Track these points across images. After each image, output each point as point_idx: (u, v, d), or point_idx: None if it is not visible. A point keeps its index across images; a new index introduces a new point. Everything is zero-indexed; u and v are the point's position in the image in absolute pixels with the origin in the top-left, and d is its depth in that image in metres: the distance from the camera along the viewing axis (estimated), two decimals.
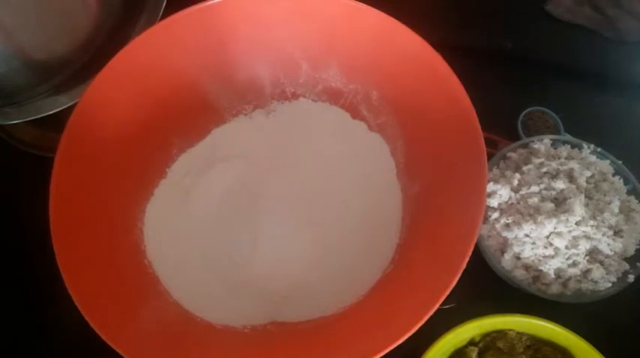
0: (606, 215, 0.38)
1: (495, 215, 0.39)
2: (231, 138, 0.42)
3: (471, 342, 0.37)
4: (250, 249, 0.39)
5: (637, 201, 0.40)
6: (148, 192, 0.40)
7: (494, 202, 0.40)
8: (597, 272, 0.38)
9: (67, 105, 0.40)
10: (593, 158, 0.41)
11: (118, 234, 0.37)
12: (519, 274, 0.38)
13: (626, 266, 0.38)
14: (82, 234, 0.35)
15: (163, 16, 0.41)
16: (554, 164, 0.40)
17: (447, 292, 0.30)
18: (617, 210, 0.39)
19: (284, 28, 0.40)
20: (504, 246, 0.39)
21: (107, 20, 0.42)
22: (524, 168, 0.40)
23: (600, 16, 0.50)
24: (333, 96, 0.42)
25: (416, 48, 0.36)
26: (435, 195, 0.36)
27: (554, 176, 0.40)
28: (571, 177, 0.39)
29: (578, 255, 0.38)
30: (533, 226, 0.38)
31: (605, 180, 0.40)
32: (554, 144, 0.42)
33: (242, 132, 0.43)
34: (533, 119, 0.47)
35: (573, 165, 0.40)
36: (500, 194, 0.40)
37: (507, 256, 0.38)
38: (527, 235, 0.38)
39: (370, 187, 0.40)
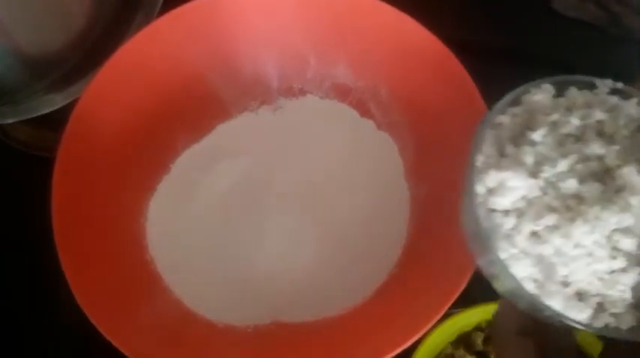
0: None
1: (511, 222, 0.24)
2: (236, 134, 0.42)
3: (478, 328, 0.37)
4: (254, 248, 0.39)
5: None
6: (151, 188, 0.40)
7: (504, 201, 0.24)
8: None
9: (63, 104, 0.39)
10: (615, 99, 0.27)
11: (121, 229, 0.37)
12: (575, 313, 0.23)
13: None
14: (84, 231, 0.34)
15: (161, 11, 0.41)
16: (573, 119, 0.26)
17: (456, 295, 0.30)
18: None
19: (292, 22, 0.39)
20: (539, 270, 0.24)
21: (103, 14, 0.42)
22: (535, 135, 0.25)
23: (604, 12, 0.50)
24: (341, 93, 0.42)
25: (428, 45, 0.36)
26: (444, 196, 0.36)
27: (580, 138, 0.26)
28: (604, 134, 0.26)
29: None
30: (587, 226, 0.23)
31: None
32: (559, 89, 0.28)
33: (248, 128, 0.42)
34: None
35: (600, 115, 0.26)
36: (512, 186, 0.24)
37: (550, 287, 0.24)
38: (577, 244, 0.24)
39: (377, 187, 0.39)
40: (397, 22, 0.37)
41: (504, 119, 0.27)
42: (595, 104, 0.27)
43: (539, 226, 0.24)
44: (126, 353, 0.31)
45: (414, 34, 0.36)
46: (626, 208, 0.23)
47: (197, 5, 0.38)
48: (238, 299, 0.37)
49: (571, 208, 0.24)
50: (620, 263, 0.24)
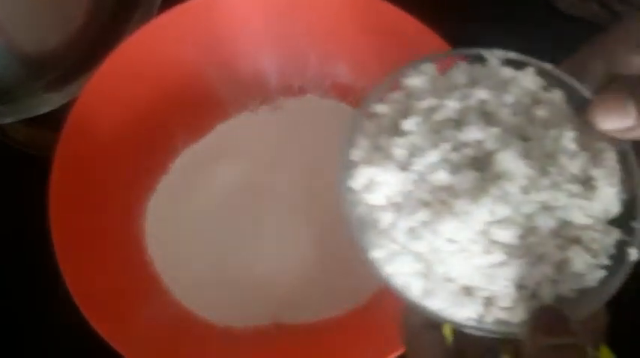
0: (562, 160, 0.22)
1: (388, 218, 0.22)
2: (235, 134, 0.42)
3: None
4: (254, 248, 0.38)
5: None
6: (150, 188, 0.40)
7: (377, 198, 0.22)
8: (579, 260, 0.22)
9: (61, 103, 0.39)
10: (509, 72, 0.24)
11: (119, 230, 0.37)
12: (462, 309, 0.22)
13: (617, 233, 0.22)
14: (83, 232, 0.34)
15: (160, 10, 0.41)
16: (451, 102, 0.23)
17: None
18: (574, 146, 0.22)
19: (292, 19, 0.39)
20: (423, 266, 0.22)
21: (101, 13, 0.42)
22: (406, 124, 0.23)
23: (606, 11, 0.50)
24: (342, 93, 0.42)
25: (429, 44, 0.35)
26: None
27: (460, 122, 0.23)
28: (487, 115, 0.23)
29: (540, 243, 0.22)
30: (455, 222, 0.21)
31: (538, 102, 0.24)
32: (446, 70, 0.25)
33: (247, 128, 0.42)
34: None
35: (482, 94, 0.23)
36: (383, 180, 0.22)
37: (432, 284, 0.22)
38: (450, 240, 0.22)
39: None
40: (399, 20, 0.36)
41: (382, 108, 0.24)
42: (483, 80, 0.23)
43: (415, 222, 0.22)
44: (125, 355, 0.31)
45: (415, 33, 0.36)
46: (501, 198, 0.21)
47: (195, 4, 0.38)
48: (238, 300, 0.37)
49: (444, 202, 0.22)
50: (497, 257, 0.21)
